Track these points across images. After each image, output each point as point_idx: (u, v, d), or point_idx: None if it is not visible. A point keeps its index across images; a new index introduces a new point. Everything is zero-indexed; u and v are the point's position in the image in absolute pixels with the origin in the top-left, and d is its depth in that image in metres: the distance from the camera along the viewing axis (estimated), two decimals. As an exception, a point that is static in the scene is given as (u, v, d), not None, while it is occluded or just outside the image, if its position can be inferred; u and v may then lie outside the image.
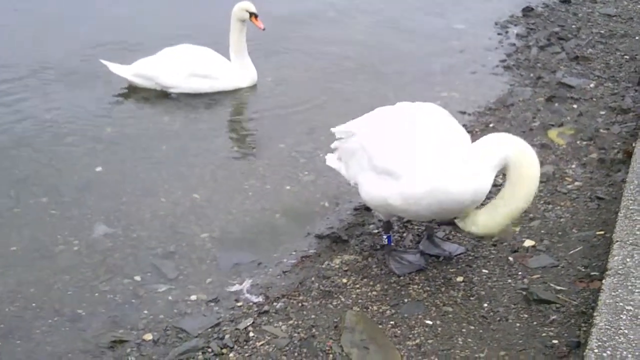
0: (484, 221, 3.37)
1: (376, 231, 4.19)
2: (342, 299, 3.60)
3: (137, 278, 3.92)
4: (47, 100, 6.04)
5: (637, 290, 3.10)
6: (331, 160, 4.07)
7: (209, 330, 3.46)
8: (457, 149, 3.29)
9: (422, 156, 3.29)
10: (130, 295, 3.78)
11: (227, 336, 3.37)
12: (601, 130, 5.38)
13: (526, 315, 3.41)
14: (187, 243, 4.23)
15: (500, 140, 3.27)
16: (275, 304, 3.61)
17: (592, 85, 6.30)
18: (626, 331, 2.85)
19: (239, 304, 3.68)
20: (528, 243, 3.99)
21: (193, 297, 3.76)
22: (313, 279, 3.80)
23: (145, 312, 3.66)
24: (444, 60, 7.12)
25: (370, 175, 3.54)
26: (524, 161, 3.19)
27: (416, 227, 4.21)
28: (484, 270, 3.77)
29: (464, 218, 3.44)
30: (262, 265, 4.01)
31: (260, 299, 3.68)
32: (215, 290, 3.81)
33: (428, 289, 3.65)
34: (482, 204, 3.44)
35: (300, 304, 3.59)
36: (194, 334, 3.43)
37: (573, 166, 4.86)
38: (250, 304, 3.66)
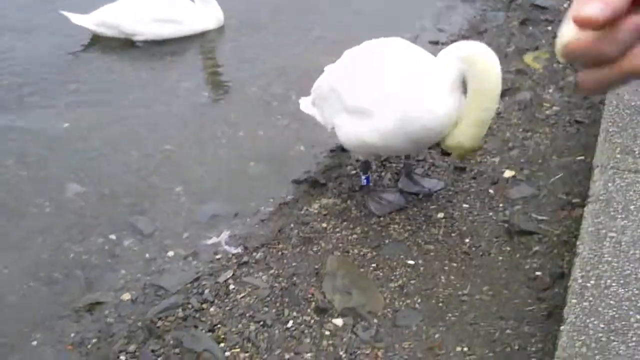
0: (453, 135, 3.20)
1: (354, 172, 4.11)
2: (323, 245, 3.54)
3: (112, 237, 3.82)
4: (5, 58, 5.80)
5: (619, 216, 3.05)
6: (305, 105, 3.97)
7: (188, 285, 3.39)
8: (423, 78, 3.15)
9: (390, 89, 3.19)
10: (106, 255, 3.69)
11: (206, 291, 3.30)
12: (577, 52, 5.24)
13: (508, 248, 3.38)
14: (161, 197, 4.12)
15: (450, 51, 3.07)
16: (254, 254, 3.55)
17: (565, 5, 6.14)
18: (610, 259, 2.81)
19: (217, 256, 3.60)
20: (508, 173, 3.93)
21: (170, 253, 3.68)
22: (292, 225, 3.72)
23: (123, 271, 3.58)
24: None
25: (344, 117, 3.44)
26: (478, 60, 2.97)
27: (394, 164, 4.13)
28: (464, 205, 3.72)
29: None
30: (239, 215, 3.91)
31: (239, 250, 3.61)
32: (192, 244, 3.73)
33: (409, 228, 3.59)
34: None
35: (280, 253, 3.53)
36: (173, 291, 3.36)
37: (550, 91, 4.76)
38: (229, 255, 3.58)
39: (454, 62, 3.03)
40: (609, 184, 3.26)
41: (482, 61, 2.97)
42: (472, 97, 3.04)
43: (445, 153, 3.37)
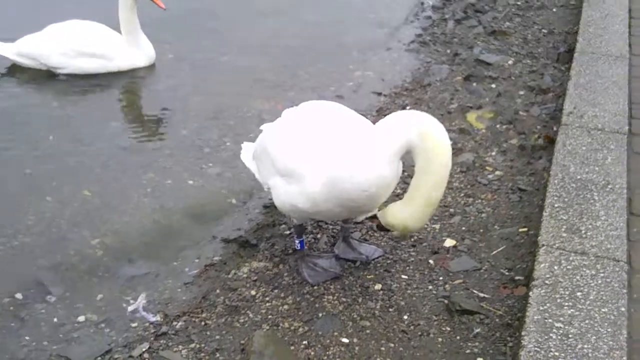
0: (397, 214, 3.00)
1: (288, 232, 3.90)
2: (251, 315, 3.30)
3: (19, 296, 3.50)
4: None
5: (566, 304, 2.93)
6: (246, 157, 3.79)
7: (99, 358, 3.09)
8: (357, 140, 2.98)
9: (320, 153, 3.04)
10: (10, 318, 3.37)
11: (118, 366, 3.02)
12: (521, 113, 5.23)
13: (449, 329, 3.21)
14: (75, 251, 3.82)
15: (400, 120, 2.89)
16: (174, 323, 3.28)
17: (510, 62, 6.15)
18: (556, 353, 2.68)
19: (133, 324, 3.32)
20: (449, 243, 3.80)
21: (81, 318, 3.37)
22: (218, 291, 3.48)
23: (27, 337, 3.26)
24: (356, 34, 6.80)
25: (277, 180, 3.25)
26: (430, 137, 2.80)
27: (331, 226, 3.94)
28: (403, 276, 3.55)
29: (384, 211, 3.13)
30: (161, 276, 3.65)
31: (158, 317, 3.34)
32: (106, 308, 3.44)
33: (344, 299, 3.39)
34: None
35: (203, 323, 3.27)
36: (80, 365, 3.06)
37: (493, 153, 4.69)
38: (147, 324, 3.31)
39: (403, 131, 2.86)
40: (555, 267, 3.15)
41: (434, 138, 2.81)
42: (421, 174, 2.86)
43: (383, 229, 3.17)
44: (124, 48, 5.76)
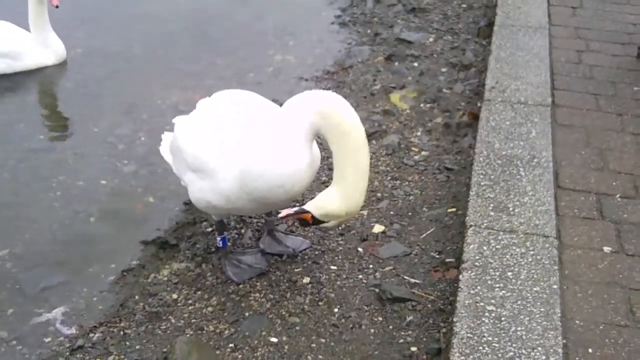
0: (333, 201, 2.83)
1: (210, 229, 3.73)
2: (173, 321, 3.13)
3: None
4: None
5: (497, 285, 2.87)
6: (164, 148, 3.60)
7: (10, 381, 2.88)
8: (267, 132, 2.84)
9: (230, 146, 2.90)
10: None
11: (31, 388, 2.81)
12: (444, 90, 5.17)
13: (381, 318, 3.12)
14: (-19, 264, 3.56)
15: (299, 104, 2.77)
16: (91, 335, 3.08)
17: (431, 39, 6.09)
18: (490, 338, 2.61)
19: (47, 339, 3.10)
20: (377, 228, 3.70)
21: (-10, 336, 3.14)
22: (137, 297, 3.29)
23: None
24: (274, 18, 6.62)
25: (191, 176, 3.09)
26: (332, 113, 2.69)
27: (256, 220, 3.79)
28: (332, 267, 3.43)
29: (315, 204, 2.97)
30: (75, 285, 3.43)
31: (74, 330, 3.14)
32: (18, 324, 3.20)
33: (271, 296, 3.26)
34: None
35: (122, 332, 3.09)
36: (-11, 390, 2.84)
37: (418, 133, 4.61)
38: (61, 338, 3.10)
39: (305, 114, 2.74)
40: (484, 247, 3.08)
41: (338, 114, 2.70)
42: (339, 154, 2.75)
43: (306, 224, 2.99)
44: (32, 46, 5.44)
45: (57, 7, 5.35)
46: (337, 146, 2.75)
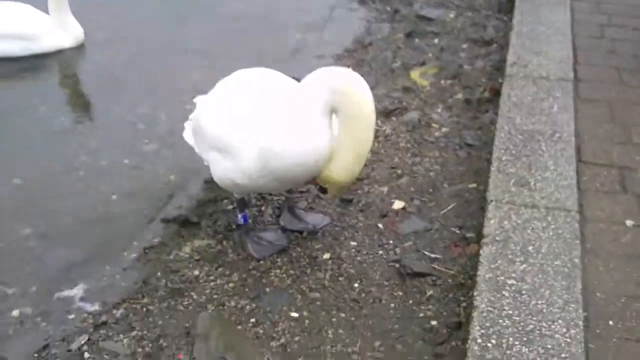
0: (330, 170, 2.90)
1: (231, 207, 3.75)
2: (195, 297, 3.16)
3: (-54, 291, 3.30)
4: None
5: (518, 259, 2.86)
6: (187, 133, 3.62)
7: (35, 356, 2.92)
8: (287, 110, 2.85)
9: (252, 125, 2.90)
10: (-62, 316, 3.16)
11: (56, 362, 2.86)
12: (465, 67, 5.14)
13: (401, 293, 3.13)
14: (6, 243, 3.60)
15: (316, 80, 2.79)
16: (114, 311, 3.12)
17: (452, 15, 6.06)
18: (510, 312, 2.61)
19: (70, 316, 3.14)
20: (397, 205, 3.70)
21: (15, 313, 3.18)
22: (159, 274, 3.33)
23: (-43, 338, 3.06)
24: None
25: (214, 155, 3.11)
26: (349, 92, 2.72)
27: (276, 197, 3.80)
28: (352, 243, 3.44)
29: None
30: (98, 262, 3.46)
31: (97, 307, 3.17)
32: (42, 300, 3.25)
33: (292, 272, 3.28)
34: None
35: (144, 309, 3.12)
36: (16, 364, 2.89)
37: (439, 110, 4.59)
38: (85, 314, 3.13)
39: (321, 91, 2.74)
40: (505, 222, 3.07)
41: (353, 92, 2.72)
42: (345, 129, 2.77)
43: (323, 190, 3.06)
44: (50, 28, 5.47)
45: None
46: (345, 123, 2.77)
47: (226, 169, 3.03)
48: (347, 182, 2.93)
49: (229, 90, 3.11)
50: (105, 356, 2.87)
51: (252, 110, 2.93)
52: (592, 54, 4.73)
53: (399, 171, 3.97)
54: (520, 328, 2.52)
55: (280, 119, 2.83)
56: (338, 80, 2.74)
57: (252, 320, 3.01)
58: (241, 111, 2.95)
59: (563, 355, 2.41)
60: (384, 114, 4.49)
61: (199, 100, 3.46)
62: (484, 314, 2.58)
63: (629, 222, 3.15)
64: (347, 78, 2.75)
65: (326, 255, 3.37)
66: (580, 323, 2.55)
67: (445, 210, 3.63)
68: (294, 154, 2.83)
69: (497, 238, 2.98)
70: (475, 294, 2.70)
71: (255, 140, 2.87)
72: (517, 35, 4.93)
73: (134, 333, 2.99)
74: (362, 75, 2.80)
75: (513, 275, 2.77)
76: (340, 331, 2.94)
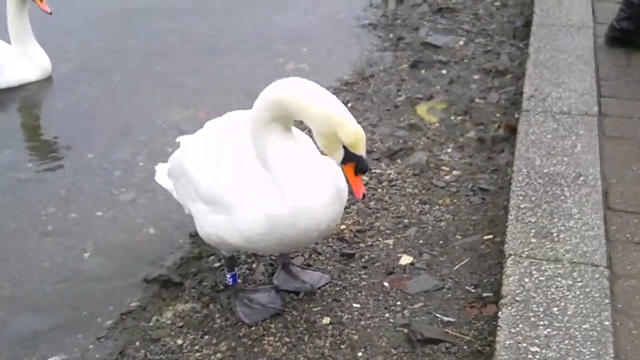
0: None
1: (218, 265, 3.77)
2: (178, 370, 3.16)
3: None
4: None
5: (541, 323, 2.86)
6: (162, 176, 3.66)
7: None
8: (295, 164, 2.87)
9: (254, 179, 2.91)
10: None
11: None
12: (477, 100, 5.20)
13: (411, 363, 3.12)
14: (-35, 307, 3.62)
15: (257, 107, 2.82)
16: (88, 388, 3.12)
17: (461, 42, 6.14)
18: (535, 385, 2.60)
19: (38, 393, 3.14)
20: (405, 260, 3.71)
21: (-25, 390, 3.18)
22: (138, 344, 3.33)
23: None
24: (286, 23, 6.70)
25: (200, 207, 3.11)
26: (287, 98, 2.73)
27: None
28: (355, 305, 3.45)
29: None
30: (69, 331, 3.46)
31: (68, 382, 3.17)
32: (5, 375, 3.25)
33: (287, 340, 3.27)
34: None
35: (121, 385, 3.12)
36: None
37: (449, 150, 4.64)
38: (54, 391, 3.13)
39: (265, 115, 2.79)
40: (525, 279, 3.09)
41: (291, 94, 2.72)
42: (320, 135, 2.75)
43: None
44: (13, 59, 5.53)
45: (50, 13, 5.44)
46: (314, 129, 2.76)
47: (215, 225, 3.03)
48: (359, 132, 2.76)
49: (222, 136, 3.13)
50: None
51: (252, 163, 2.93)
52: (618, 84, 4.79)
53: (406, 221, 3.99)
54: (546, 404, 2.51)
55: (287, 176, 2.84)
56: (271, 96, 2.76)
57: (243, 396, 3.01)
58: (239, 163, 2.96)
59: None
60: (387, 155, 4.53)
61: (183, 140, 3.48)
62: (505, 389, 2.58)
63: (664, 278, 3.17)
64: (275, 88, 2.77)
65: (326, 320, 3.37)
66: (613, 396, 2.55)
67: (458, 266, 3.64)
68: (309, 220, 2.84)
69: (517, 298, 2.98)
70: (494, 364, 2.70)
71: (260, 201, 2.86)
72: (534, 65, 5.00)
73: (110, 413, 2.98)
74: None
75: (536, 341, 2.77)
76: (343, 407, 2.94)
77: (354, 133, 2.68)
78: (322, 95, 2.72)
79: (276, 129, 2.81)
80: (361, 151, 2.73)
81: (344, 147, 2.70)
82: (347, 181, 2.87)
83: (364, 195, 2.78)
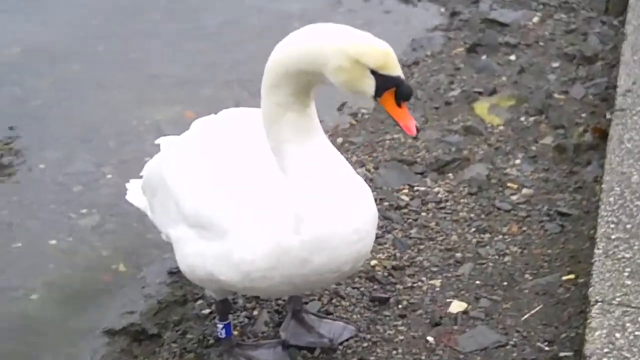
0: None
1: (207, 312, 3.80)
2: None
3: None
4: None
5: (637, 394, 2.87)
6: (134, 192, 3.75)
7: None
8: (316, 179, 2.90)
9: (257, 195, 2.93)
10: None
11: None
12: (556, 96, 5.23)
13: None
14: None
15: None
16: None
17: (535, 19, 6.20)
18: None
19: None
20: (456, 307, 3.74)
21: None
22: (99, 420, 3.38)
23: None
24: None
25: (184, 231, 3.13)
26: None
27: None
28: (388, 366, 3.48)
29: None
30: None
31: None
32: None
33: (298, 413, 3.32)
34: None
35: None
36: None
37: (517, 161, 4.67)
38: None
39: (278, 95, 2.82)
40: (616, 334, 3.09)
41: (296, 42, 2.86)
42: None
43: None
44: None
45: None
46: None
47: (203, 256, 3.04)
48: (385, 47, 2.75)
49: (214, 140, 3.16)
50: None
51: (255, 175, 2.96)
52: None
53: (459, 255, 4.02)
54: None
55: (317, 189, 2.85)
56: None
57: None
58: (239, 174, 2.98)
59: None
60: (435, 168, 4.57)
61: (164, 143, 3.51)
62: None
63: None
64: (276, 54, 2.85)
65: (350, 387, 3.41)
66: None
67: (527, 315, 3.66)
68: (340, 251, 2.87)
69: (605, 358, 2.99)
70: None
71: (269, 225, 2.87)
72: (632, 49, 5.01)
73: None
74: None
75: (631, 416, 2.78)
76: None
77: (378, 50, 2.70)
78: (328, 26, 2.80)
79: (296, 124, 2.83)
80: (396, 71, 2.74)
81: (374, 74, 2.73)
82: (391, 117, 2.87)
83: (417, 130, 2.80)
